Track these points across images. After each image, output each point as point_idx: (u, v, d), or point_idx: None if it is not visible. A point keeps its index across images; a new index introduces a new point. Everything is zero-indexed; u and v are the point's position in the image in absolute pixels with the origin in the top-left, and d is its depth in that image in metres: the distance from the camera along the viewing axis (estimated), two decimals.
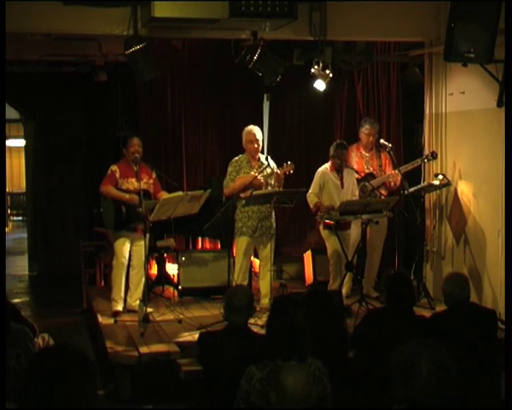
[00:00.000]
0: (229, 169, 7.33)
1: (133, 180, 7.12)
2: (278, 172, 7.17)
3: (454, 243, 7.71)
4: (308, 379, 3.20)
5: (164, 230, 8.13)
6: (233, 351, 4.25)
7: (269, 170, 7.21)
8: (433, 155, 7.71)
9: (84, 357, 2.53)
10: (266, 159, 7.35)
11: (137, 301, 7.13)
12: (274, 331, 3.91)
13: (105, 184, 7.15)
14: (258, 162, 7.30)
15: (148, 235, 6.91)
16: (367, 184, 7.82)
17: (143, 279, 7.11)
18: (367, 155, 8.03)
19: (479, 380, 4.75)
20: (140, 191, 6.90)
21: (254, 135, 7.26)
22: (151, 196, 7.18)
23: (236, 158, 7.36)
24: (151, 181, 7.33)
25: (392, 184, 7.93)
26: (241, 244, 7.24)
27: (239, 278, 7.16)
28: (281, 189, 7.18)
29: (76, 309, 8.56)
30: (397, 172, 7.77)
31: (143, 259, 7.03)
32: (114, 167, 7.20)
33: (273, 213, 7.29)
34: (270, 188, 7.22)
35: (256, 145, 7.26)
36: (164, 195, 7.24)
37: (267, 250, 7.26)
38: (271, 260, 7.30)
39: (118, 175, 7.15)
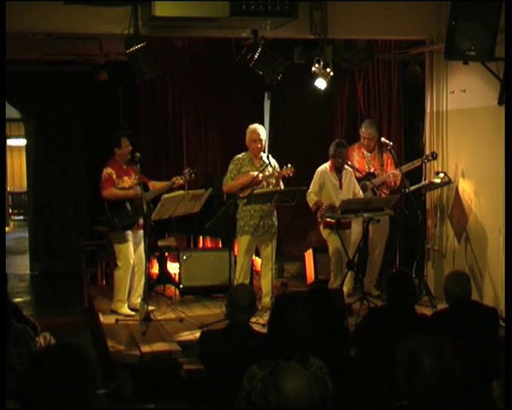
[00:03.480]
0: (230, 167, 7.32)
1: (126, 178, 7.23)
2: (277, 173, 7.17)
3: (455, 241, 7.71)
4: (308, 383, 3.18)
5: (165, 229, 8.14)
6: (234, 350, 4.24)
7: (270, 169, 7.21)
8: (434, 156, 7.69)
9: (84, 356, 2.52)
10: (268, 158, 7.35)
11: (139, 300, 7.15)
12: (275, 330, 3.92)
13: (106, 188, 7.15)
14: (260, 161, 7.30)
15: (147, 235, 6.92)
16: (367, 183, 7.81)
17: (143, 278, 7.12)
18: (369, 154, 8.03)
19: (479, 378, 4.74)
20: (140, 184, 7.00)
21: (258, 134, 7.24)
22: (147, 187, 7.26)
23: (239, 156, 7.36)
24: (138, 176, 7.35)
25: (393, 183, 7.92)
26: (242, 243, 7.24)
27: (240, 276, 7.15)
28: (281, 187, 7.19)
29: (77, 308, 8.56)
30: (397, 172, 7.76)
31: (143, 257, 7.05)
32: (109, 170, 7.20)
33: (275, 212, 7.29)
34: (270, 187, 7.21)
35: (259, 145, 7.25)
36: (155, 183, 7.35)
37: (269, 249, 7.25)
38: (273, 259, 7.29)
39: (114, 177, 7.18)
